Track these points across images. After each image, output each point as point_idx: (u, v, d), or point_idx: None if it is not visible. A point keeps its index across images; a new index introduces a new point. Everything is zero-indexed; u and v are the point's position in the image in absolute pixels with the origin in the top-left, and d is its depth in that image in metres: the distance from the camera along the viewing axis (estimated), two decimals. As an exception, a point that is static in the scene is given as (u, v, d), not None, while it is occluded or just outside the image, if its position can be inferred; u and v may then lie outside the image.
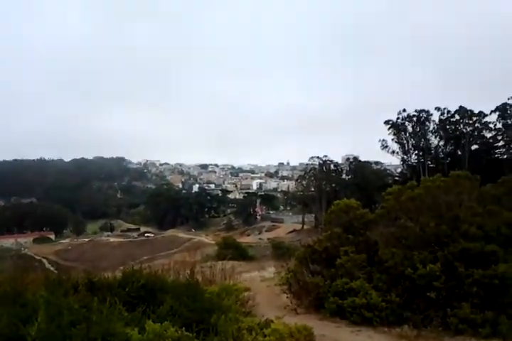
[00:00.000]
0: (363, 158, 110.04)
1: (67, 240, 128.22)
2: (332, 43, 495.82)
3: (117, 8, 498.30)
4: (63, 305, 5.91)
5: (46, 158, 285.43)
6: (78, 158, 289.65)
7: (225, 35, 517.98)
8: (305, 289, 12.02)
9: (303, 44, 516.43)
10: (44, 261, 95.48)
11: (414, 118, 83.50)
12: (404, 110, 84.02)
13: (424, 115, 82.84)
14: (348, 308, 10.46)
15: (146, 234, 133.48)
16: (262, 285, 15.81)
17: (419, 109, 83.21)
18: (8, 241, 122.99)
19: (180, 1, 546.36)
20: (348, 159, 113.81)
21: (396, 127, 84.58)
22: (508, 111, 73.00)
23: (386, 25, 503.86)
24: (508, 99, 72.87)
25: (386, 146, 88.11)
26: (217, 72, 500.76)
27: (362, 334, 9.69)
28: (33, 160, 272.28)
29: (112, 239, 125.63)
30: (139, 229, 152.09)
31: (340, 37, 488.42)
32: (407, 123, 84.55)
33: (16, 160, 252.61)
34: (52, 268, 71.13)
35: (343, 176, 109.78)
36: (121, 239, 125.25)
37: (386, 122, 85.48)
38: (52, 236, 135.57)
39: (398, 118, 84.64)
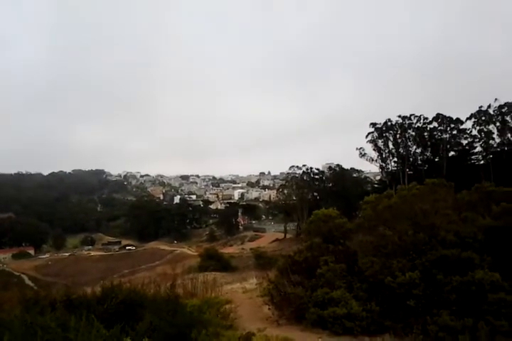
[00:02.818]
0: (343, 167, 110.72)
1: (47, 255, 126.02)
2: (298, 61, 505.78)
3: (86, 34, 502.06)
4: (39, 324, 5.82)
5: (24, 172, 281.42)
6: (57, 171, 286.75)
7: (201, 52, 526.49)
8: (286, 300, 12.01)
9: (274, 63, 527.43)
10: (23, 276, 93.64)
11: (396, 125, 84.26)
12: (389, 120, 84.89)
13: (407, 122, 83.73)
14: (329, 318, 10.47)
15: (127, 247, 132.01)
16: (243, 296, 15.72)
17: (402, 115, 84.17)
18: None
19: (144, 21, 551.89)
20: (329, 167, 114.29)
21: (379, 132, 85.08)
22: (482, 118, 74.31)
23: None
24: (480, 107, 74.37)
25: (364, 154, 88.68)
26: (194, 86, 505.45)
27: (343, 344, 9.71)
28: (11, 174, 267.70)
29: (92, 253, 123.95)
30: (119, 242, 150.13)
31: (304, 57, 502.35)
32: (388, 130, 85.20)
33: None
34: (31, 284, 69.89)
35: (324, 184, 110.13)
36: (102, 253, 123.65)
37: (372, 124, 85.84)
38: (32, 252, 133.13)
39: (384, 124, 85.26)
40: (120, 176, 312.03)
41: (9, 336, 5.31)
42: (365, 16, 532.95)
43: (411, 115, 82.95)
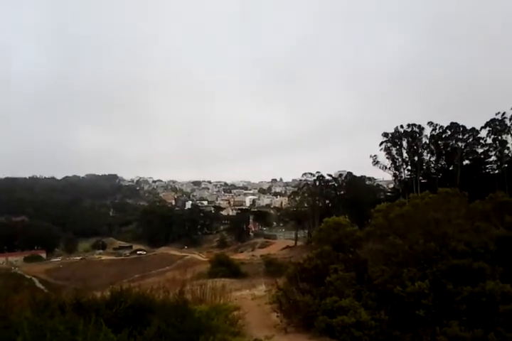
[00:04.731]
0: (355, 174, 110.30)
1: (58, 258, 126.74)
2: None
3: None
4: (48, 327, 5.87)
5: (38, 176, 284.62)
6: (70, 175, 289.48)
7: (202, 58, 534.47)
8: (295, 308, 11.95)
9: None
10: (34, 279, 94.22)
11: (408, 133, 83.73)
12: (401, 126, 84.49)
13: (417, 130, 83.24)
14: (338, 327, 10.38)
15: (138, 252, 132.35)
16: (252, 303, 15.67)
17: (411, 123, 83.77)
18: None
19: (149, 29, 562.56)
20: (340, 175, 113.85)
21: (392, 140, 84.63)
22: (498, 127, 73.61)
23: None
24: (496, 114, 73.63)
25: (377, 162, 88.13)
26: (196, 93, 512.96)
27: (351, 353, 9.63)
28: (25, 178, 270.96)
29: (103, 257, 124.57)
30: (131, 246, 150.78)
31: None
32: (402, 138, 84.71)
33: (7, 178, 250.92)
34: (42, 287, 70.31)
35: (336, 192, 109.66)
36: (113, 257, 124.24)
37: (384, 134, 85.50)
38: (44, 255, 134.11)
39: (395, 132, 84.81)
40: (133, 181, 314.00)
41: (19, 338, 5.38)
42: (357, 26, 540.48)
43: (429, 122, 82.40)
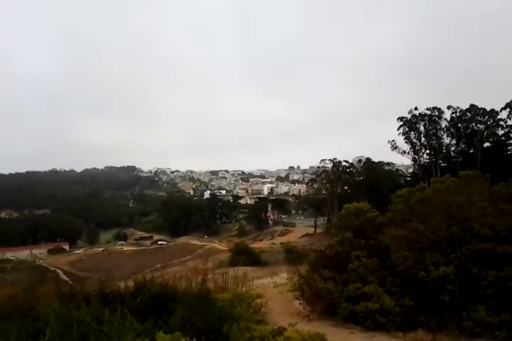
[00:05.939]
0: (373, 160, 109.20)
1: (81, 250, 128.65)
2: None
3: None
4: (74, 317, 5.93)
5: (58, 169, 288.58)
6: (90, 168, 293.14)
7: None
8: (317, 295, 11.94)
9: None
10: (59, 271, 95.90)
11: (426, 117, 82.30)
12: (416, 108, 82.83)
13: (436, 113, 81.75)
14: (361, 314, 10.34)
15: (159, 242, 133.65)
16: (274, 291, 15.74)
17: (430, 106, 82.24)
18: (23, 253, 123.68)
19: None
20: (359, 161, 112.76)
21: (409, 124, 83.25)
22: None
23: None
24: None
25: (396, 147, 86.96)
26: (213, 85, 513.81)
27: (376, 339, 9.56)
28: (45, 171, 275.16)
29: (125, 248, 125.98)
30: (151, 237, 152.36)
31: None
32: (419, 122, 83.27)
33: (28, 172, 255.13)
34: (66, 279, 71.65)
35: (354, 178, 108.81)
36: (135, 248, 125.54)
37: (400, 118, 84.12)
38: (67, 247, 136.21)
39: (411, 116, 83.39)
40: (151, 172, 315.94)
41: (47, 329, 5.44)
42: (356, 14, 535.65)
43: (448, 106, 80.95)
